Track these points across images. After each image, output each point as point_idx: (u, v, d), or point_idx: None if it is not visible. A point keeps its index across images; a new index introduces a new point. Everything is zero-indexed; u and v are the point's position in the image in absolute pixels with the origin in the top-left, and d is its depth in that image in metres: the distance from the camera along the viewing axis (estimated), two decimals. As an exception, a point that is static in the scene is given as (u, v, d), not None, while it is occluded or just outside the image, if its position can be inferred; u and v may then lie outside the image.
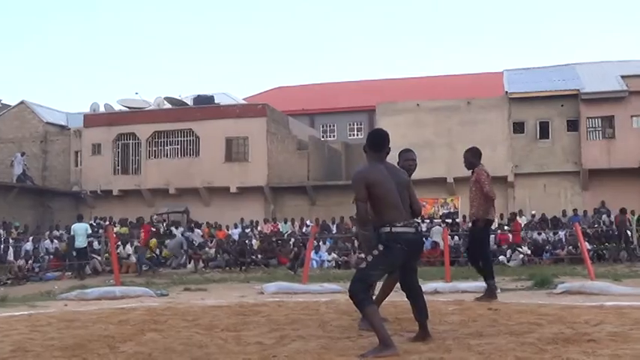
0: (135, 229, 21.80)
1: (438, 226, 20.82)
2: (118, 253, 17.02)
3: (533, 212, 23.06)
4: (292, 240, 21.48)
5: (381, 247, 4.73)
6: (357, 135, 35.63)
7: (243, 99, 34.44)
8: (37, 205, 26.93)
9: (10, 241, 20.86)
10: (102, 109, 29.01)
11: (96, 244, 20.73)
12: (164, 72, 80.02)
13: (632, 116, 23.72)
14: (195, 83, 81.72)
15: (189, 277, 15.91)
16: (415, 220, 5.07)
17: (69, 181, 28.24)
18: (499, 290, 8.46)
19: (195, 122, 26.61)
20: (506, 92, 25.13)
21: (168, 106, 28.28)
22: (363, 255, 7.84)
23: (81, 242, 17.79)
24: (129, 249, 19.98)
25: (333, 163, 28.97)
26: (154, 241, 19.72)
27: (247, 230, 23.55)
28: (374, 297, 5.56)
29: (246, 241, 21.38)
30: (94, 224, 23.28)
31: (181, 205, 26.00)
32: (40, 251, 20.30)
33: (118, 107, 28.83)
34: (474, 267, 8.39)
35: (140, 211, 24.74)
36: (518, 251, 18.60)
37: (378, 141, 5.01)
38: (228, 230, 23.50)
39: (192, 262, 19.72)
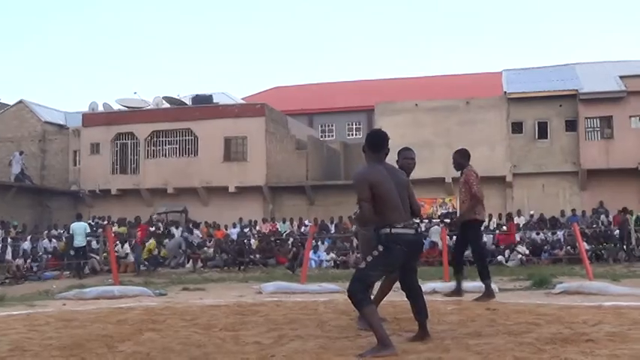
0: (133, 229, 21.79)
1: (436, 226, 20.80)
2: (116, 252, 17.01)
3: (531, 212, 23.10)
4: (291, 240, 21.44)
5: (380, 248, 4.74)
6: (356, 135, 35.63)
7: (242, 99, 34.39)
8: (36, 204, 26.88)
9: (9, 240, 20.79)
10: (100, 109, 28.95)
11: (94, 244, 20.70)
12: (163, 72, 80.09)
13: (630, 116, 23.71)
14: (193, 83, 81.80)
15: (188, 277, 15.87)
16: (414, 220, 5.07)
17: (67, 180, 28.19)
18: (463, 285, 8.13)
19: (194, 122, 26.59)
20: (505, 92, 25.13)
21: (166, 105, 28.25)
22: (360, 254, 7.80)
23: (80, 241, 17.75)
24: (127, 248, 19.98)
25: (332, 163, 28.95)
26: (152, 242, 19.69)
27: (246, 230, 23.55)
28: (372, 297, 5.56)
29: (245, 241, 21.34)
30: (93, 224, 23.23)
31: (180, 205, 25.98)
32: (39, 250, 20.29)
33: (116, 107, 28.78)
34: (453, 266, 8.43)
35: (138, 211, 24.80)
36: (517, 251, 18.62)
37: (377, 142, 5.00)
38: (226, 230, 23.48)
39: (191, 261, 19.71)
